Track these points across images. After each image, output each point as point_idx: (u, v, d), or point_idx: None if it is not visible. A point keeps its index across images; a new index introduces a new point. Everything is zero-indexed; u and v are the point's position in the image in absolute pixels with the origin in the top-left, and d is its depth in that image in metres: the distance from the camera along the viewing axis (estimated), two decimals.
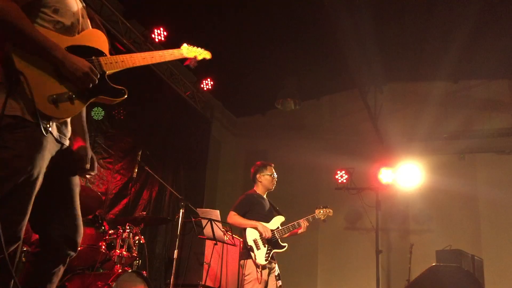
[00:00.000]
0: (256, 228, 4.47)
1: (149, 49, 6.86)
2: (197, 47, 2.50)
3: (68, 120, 2.05)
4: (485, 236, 7.73)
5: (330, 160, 8.10)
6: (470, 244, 7.22)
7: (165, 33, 6.62)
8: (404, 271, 7.10)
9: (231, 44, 7.35)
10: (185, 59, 2.43)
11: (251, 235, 4.44)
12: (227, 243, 5.03)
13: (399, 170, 7.60)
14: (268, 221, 4.62)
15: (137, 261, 4.51)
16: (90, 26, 2.14)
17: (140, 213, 5.26)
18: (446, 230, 7.76)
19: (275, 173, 4.84)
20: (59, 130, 1.97)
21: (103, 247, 4.02)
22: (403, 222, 8.30)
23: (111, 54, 2.12)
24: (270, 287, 4.41)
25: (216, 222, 4.67)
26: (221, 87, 8.15)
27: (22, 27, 1.75)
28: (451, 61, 7.11)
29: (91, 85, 1.94)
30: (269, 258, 4.43)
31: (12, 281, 1.77)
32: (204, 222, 4.71)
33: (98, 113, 5.87)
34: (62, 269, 2.05)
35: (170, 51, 2.35)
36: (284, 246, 4.56)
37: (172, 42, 6.84)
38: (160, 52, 2.27)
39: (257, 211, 4.62)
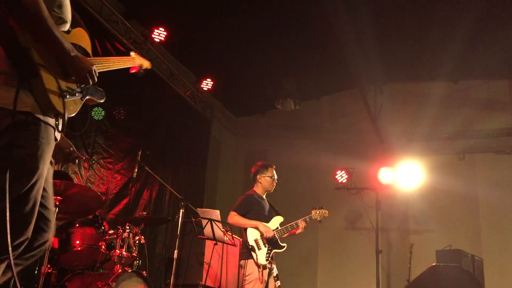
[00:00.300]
0: (257, 228, 4.49)
1: (149, 49, 6.88)
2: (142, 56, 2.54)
3: None
4: (485, 236, 7.73)
5: (330, 160, 8.11)
6: (470, 244, 7.22)
7: (165, 33, 6.62)
8: (404, 271, 7.10)
9: (231, 44, 7.35)
10: (130, 67, 2.45)
11: (252, 235, 4.46)
12: (227, 243, 5.02)
13: (399, 170, 7.60)
14: (267, 221, 4.64)
15: (137, 261, 4.51)
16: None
17: (140, 213, 5.26)
18: (446, 230, 7.77)
19: (275, 175, 4.87)
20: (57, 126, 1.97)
21: (103, 247, 4.02)
22: (403, 222, 8.30)
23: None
24: (270, 287, 4.42)
25: (216, 222, 4.67)
26: (221, 87, 8.16)
27: (47, 23, 1.70)
28: (451, 61, 7.11)
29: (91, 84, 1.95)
30: (269, 258, 4.45)
31: (12, 280, 1.76)
32: (204, 222, 4.71)
33: (98, 113, 5.87)
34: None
35: (125, 58, 2.36)
36: (284, 246, 4.58)
37: (172, 42, 6.85)
38: (117, 59, 2.27)
39: (257, 211, 4.64)
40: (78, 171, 5.58)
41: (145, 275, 4.07)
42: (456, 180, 7.77)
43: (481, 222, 7.85)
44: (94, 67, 1.93)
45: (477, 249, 7.11)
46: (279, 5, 6.56)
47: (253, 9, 6.66)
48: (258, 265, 4.32)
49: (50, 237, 1.98)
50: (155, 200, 6.94)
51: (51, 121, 1.78)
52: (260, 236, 4.48)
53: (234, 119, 9.98)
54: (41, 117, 1.73)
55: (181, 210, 4.56)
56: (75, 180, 5.44)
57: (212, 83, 7.84)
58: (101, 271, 4.15)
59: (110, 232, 4.14)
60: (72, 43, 1.90)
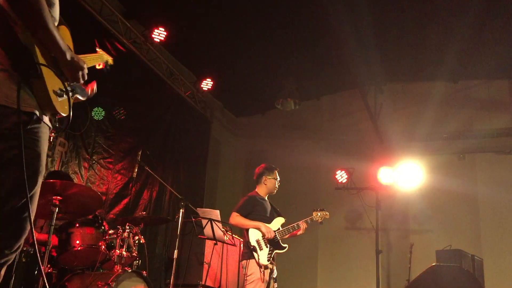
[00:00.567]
0: (259, 229, 4.53)
1: (149, 49, 6.88)
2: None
3: None
4: (485, 236, 7.74)
5: (330, 160, 8.10)
6: (470, 244, 7.22)
7: (165, 33, 6.62)
8: (404, 271, 7.09)
9: (231, 44, 7.36)
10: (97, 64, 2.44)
11: (254, 236, 4.50)
12: (227, 243, 5.03)
13: (399, 170, 7.60)
14: (269, 222, 4.69)
15: (137, 261, 4.51)
16: None
17: (141, 213, 5.26)
18: (446, 230, 7.76)
19: (278, 178, 4.94)
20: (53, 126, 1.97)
21: (103, 247, 4.01)
22: (403, 222, 8.30)
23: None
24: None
25: (216, 222, 4.67)
26: (221, 87, 8.16)
27: (48, 22, 1.68)
28: (451, 61, 7.12)
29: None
30: (271, 259, 4.48)
31: (12, 280, 1.77)
32: (204, 222, 4.71)
33: (98, 113, 5.87)
34: None
35: (95, 55, 2.35)
36: (285, 247, 4.62)
37: (172, 42, 6.85)
38: (89, 56, 2.26)
39: (259, 212, 4.69)
40: (78, 171, 5.58)
41: (145, 275, 4.07)
42: (456, 180, 7.77)
43: (481, 222, 7.86)
44: (85, 66, 1.93)
45: (477, 249, 7.11)
46: (279, 5, 6.56)
47: (253, 9, 6.66)
48: (259, 265, 4.34)
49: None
50: (155, 200, 6.94)
51: (47, 120, 1.78)
52: (262, 236, 4.52)
53: (234, 119, 9.98)
54: (43, 117, 1.73)
55: (181, 210, 4.56)
56: (76, 180, 5.44)
57: (212, 83, 7.84)
58: (101, 271, 4.14)
59: (110, 232, 4.14)
60: None
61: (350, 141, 8.67)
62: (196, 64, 7.93)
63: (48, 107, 1.73)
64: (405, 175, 7.55)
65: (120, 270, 3.90)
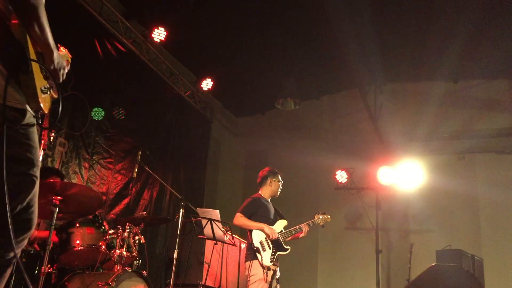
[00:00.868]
0: (262, 230, 4.56)
1: (149, 49, 6.88)
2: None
3: None
4: (485, 236, 7.73)
5: (330, 160, 8.10)
6: (470, 244, 7.22)
7: (165, 33, 6.62)
8: (404, 271, 7.09)
9: (231, 44, 7.36)
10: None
11: (257, 237, 4.53)
12: (227, 243, 5.04)
13: (399, 170, 7.59)
14: (272, 224, 4.75)
15: (137, 261, 4.51)
16: None
17: (141, 213, 5.26)
18: (446, 230, 7.77)
19: (282, 181, 5.03)
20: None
21: (103, 247, 4.01)
22: (403, 222, 8.30)
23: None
24: None
25: (216, 222, 4.67)
26: (221, 87, 8.16)
27: (43, 17, 1.68)
28: (451, 61, 7.11)
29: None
30: (274, 260, 4.51)
31: (12, 280, 1.77)
32: (204, 222, 4.71)
33: (98, 113, 5.87)
34: None
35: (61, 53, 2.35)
36: (288, 249, 4.67)
37: (172, 42, 6.85)
38: None
39: (262, 214, 4.74)
40: (78, 171, 5.58)
41: (145, 275, 4.07)
42: (456, 180, 7.77)
43: (481, 222, 7.85)
44: (67, 66, 1.94)
45: (477, 249, 7.11)
46: (279, 5, 6.56)
47: (253, 9, 6.66)
48: (263, 267, 4.37)
49: None
50: (156, 200, 6.94)
51: (38, 118, 1.79)
52: (265, 238, 4.56)
53: (234, 119, 9.98)
54: (33, 114, 1.74)
55: (181, 210, 4.56)
56: (76, 180, 5.45)
57: (212, 83, 7.84)
58: (101, 271, 4.14)
59: (110, 232, 4.14)
60: None
61: (350, 141, 8.67)
62: (196, 64, 7.93)
63: (34, 103, 1.73)
64: (405, 175, 7.54)
65: (120, 270, 3.90)
